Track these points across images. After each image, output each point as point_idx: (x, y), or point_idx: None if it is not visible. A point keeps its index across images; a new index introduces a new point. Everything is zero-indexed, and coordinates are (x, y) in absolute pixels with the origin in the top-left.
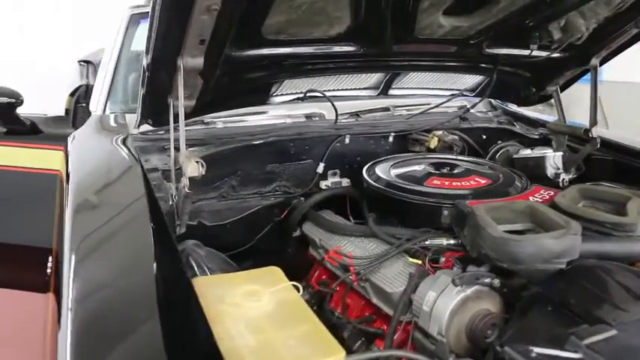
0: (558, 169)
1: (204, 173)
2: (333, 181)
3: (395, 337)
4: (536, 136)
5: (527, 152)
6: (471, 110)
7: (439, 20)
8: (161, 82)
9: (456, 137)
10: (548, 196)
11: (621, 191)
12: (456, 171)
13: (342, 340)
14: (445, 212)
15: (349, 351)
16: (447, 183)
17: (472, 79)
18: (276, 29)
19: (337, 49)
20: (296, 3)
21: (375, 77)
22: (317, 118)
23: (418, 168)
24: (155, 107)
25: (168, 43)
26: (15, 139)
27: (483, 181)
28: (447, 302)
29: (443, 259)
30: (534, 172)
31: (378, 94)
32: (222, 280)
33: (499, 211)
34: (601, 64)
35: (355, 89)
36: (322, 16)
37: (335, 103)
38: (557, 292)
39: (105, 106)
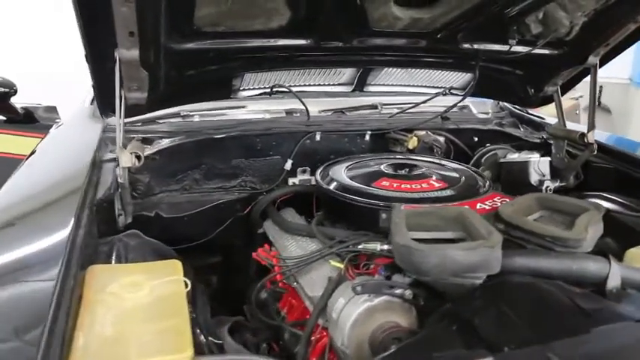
0: (543, 175)
1: (138, 165)
2: (302, 179)
3: (319, 344)
4: (537, 140)
5: (514, 156)
6: (474, 111)
7: (393, 12)
8: (105, 74)
9: (439, 138)
10: (500, 204)
11: (581, 203)
12: (413, 173)
13: (283, 342)
14: (383, 215)
15: (289, 353)
16: (395, 185)
17: (461, 77)
18: (211, 21)
19: (288, 42)
20: None
21: (346, 73)
22: (298, 114)
23: (375, 169)
24: (110, 99)
25: (98, 35)
26: (12, 127)
27: (438, 185)
28: (351, 311)
29: (372, 265)
30: (519, 178)
31: (353, 90)
32: (116, 270)
33: (429, 217)
34: (602, 64)
35: (327, 85)
36: (255, 8)
37: (317, 100)
38: (469, 310)
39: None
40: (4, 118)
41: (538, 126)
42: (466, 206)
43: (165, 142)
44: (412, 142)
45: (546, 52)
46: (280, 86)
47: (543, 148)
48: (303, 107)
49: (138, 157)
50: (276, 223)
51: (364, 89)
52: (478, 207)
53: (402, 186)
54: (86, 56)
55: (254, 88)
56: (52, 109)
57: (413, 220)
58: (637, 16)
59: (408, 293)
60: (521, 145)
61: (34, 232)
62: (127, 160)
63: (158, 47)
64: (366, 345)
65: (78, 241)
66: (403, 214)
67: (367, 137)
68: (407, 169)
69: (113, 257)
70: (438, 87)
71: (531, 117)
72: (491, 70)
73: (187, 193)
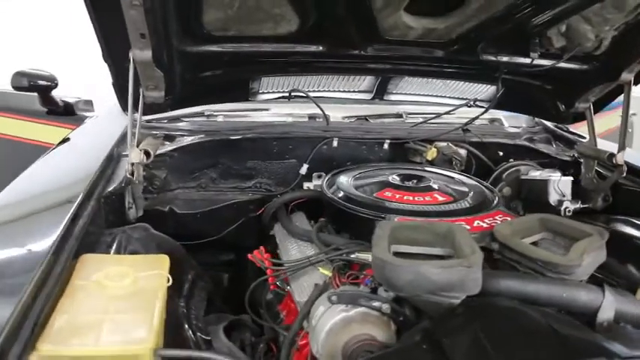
0: (563, 195)
1: (147, 161)
2: (317, 184)
3: (305, 350)
4: (567, 158)
5: (536, 174)
6: (505, 125)
7: (404, 21)
8: (124, 73)
9: (460, 150)
10: (501, 222)
11: (585, 227)
12: (420, 185)
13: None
14: None
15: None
16: (398, 196)
17: (486, 90)
18: (220, 26)
19: (300, 48)
20: None
21: (365, 80)
22: (320, 119)
23: (382, 179)
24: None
25: (114, 36)
26: (53, 119)
27: (442, 199)
28: (327, 320)
29: (362, 276)
30: (539, 197)
31: (373, 98)
32: (106, 260)
33: (420, 231)
34: (638, 81)
35: (347, 91)
36: (261, 13)
37: (342, 106)
38: (443, 330)
39: None
40: (46, 110)
41: (572, 144)
42: (459, 223)
43: (184, 140)
44: (431, 154)
45: (575, 66)
46: (298, 91)
47: (573, 167)
48: (326, 112)
49: (147, 154)
50: (283, 226)
51: (384, 97)
52: (475, 224)
53: (405, 198)
54: (103, 56)
55: (273, 92)
56: (89, 103)
57: (403, 234)
58: None
59: (386, 307)
60: (549, 162)
61: (34, 219)
62: (135, 155)
63: (170, 49)
64: (339, 355)
65: (75, 230)
66: (389, 226)
67: (386, 146)
68: (415, 181)
69: (113, 248)
70: (463, 98)
71: (565, 134)
72: (516, 83)
73: (203, 190)
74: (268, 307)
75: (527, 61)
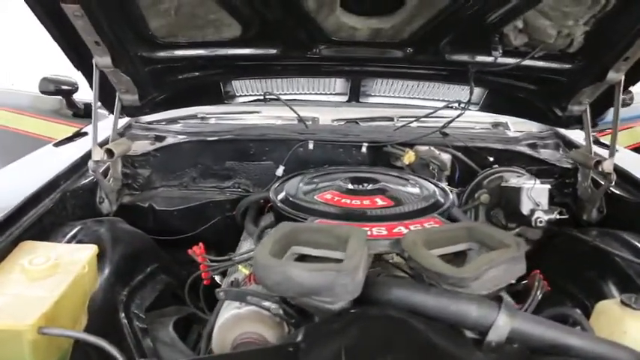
0: (537, 205)
1: (106, 159)
2: None
3: None
4: (568, 166)
5: (514, 181)
6: (510, 129)
7: (345, 21)
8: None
9: (442, 155)
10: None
11: (506, 238)
12: (366, 188)
13: None
14: None
15: None
16: (336, 199)
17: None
18: (167, 32)
19: (254, 51)
20: (162, 7)
21: (338, 83)
22: (309, 122)
23: (333, 182)
24: (108, 99)
25: (71, 45)
26: (76, 121)
27: (382, 202)
28: (221, 316)
29: None
30: (515, 206)
31: (348, 100)
32: (41, 247)
33: (322, 234)
34: (632, 82)
35: (322, 94)
36: (198, 20)
37: (332, 109)
38: (309, 339)
39: None
40: (72, 112)
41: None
42: (363, 227)
43: (166, 141)
44: (408, 157)
45: (554, 65)
46: (271, 94)
47: (575, 175)
48: (315, 115)
49: (110, 153)
50: (244, 225)
51: (360, 100)
52: (396, 230)
53: (342, 201)
54: (74, 65)
55: (249, 95)
56: None
57: (305, 236)
58: None
59: (274, 307)
60: (549, 169)
61: None
62: (97, 154)
63: (128, 55)
64: (228, 350)
65: (23, 219)
66: (288, 228)
67: (364, 149)
68: (365, 185)
69: (66, 238)
70: (447, 101)
71: (571, 139)
72: (498, 85)
73: (184, 189)
74: None
75: (489, 60)
